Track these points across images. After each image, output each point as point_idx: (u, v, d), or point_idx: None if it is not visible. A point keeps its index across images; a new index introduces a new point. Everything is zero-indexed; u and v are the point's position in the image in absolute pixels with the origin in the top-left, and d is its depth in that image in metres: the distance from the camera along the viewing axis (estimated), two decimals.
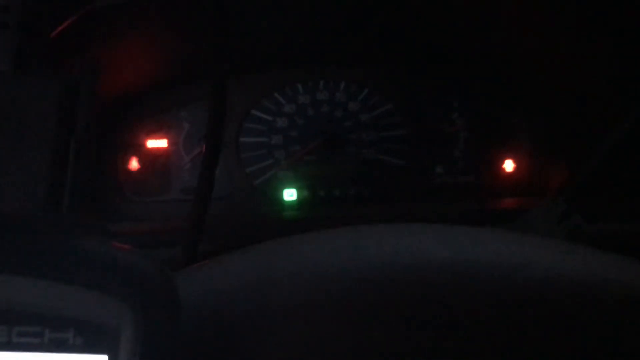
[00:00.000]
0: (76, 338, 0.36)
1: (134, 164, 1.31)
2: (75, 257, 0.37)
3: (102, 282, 0.36)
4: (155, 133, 1.32)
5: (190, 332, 0.40)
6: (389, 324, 0.41)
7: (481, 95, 1.38)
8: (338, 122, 1.35)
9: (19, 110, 0.44)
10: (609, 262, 0.45)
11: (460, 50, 1.30)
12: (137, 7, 0.94)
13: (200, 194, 0.79)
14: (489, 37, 1.23)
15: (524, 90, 1.35)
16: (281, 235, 1.04)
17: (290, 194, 1.34)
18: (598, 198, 1.10)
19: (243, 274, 0.44)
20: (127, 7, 0.93)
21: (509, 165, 1.38)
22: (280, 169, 1.34)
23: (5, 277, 0.36)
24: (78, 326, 0.36)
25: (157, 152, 1.32)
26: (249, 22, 1.12)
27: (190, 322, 0.40)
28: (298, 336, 0.42)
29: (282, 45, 1.26)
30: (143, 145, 1.32)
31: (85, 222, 0.41)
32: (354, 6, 1.12)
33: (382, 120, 1.36)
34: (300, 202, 1.34)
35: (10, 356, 0.36)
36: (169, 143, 1.32)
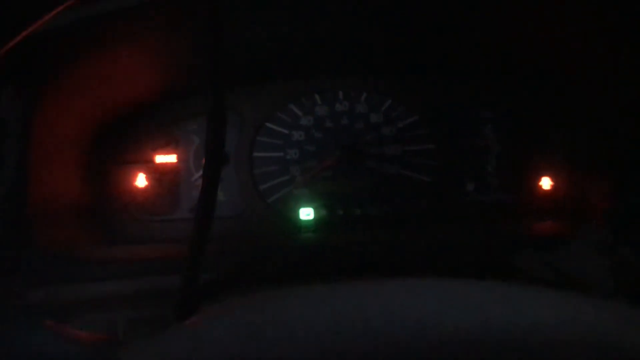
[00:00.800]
0: None
1: (141, 180, 1.23)
2: None
3: None
4: (163, 148, 1.24)
5: None
6: None
7: (515, 106, 1.26)
8: (358, 135, 1.25)
9: None
10: None
11: (492, 57, 1.18)
12: (135, 16, 0.86)
13: (199, 223, 0.70)
14: (525, 41, 1.11)
15: (564, 100, 1.23)
16: (295, 258, 0.94)
17: (306, 213, 1.24)
18: None
19: None
20: (124, 16, 0.85)
21: (545, 183, 1.26)
22: (296, 186, 1.24)
23: None
24: None
25: (165, 167, 1.24)
26: (262, 28, 1.03)
27: None
28: None
29: (298, 53, 1.17)
30: (151, 160, 1.24)
31: None
32: (377, 11, 1.02)
33: (407, 133, 1.25)
34: (317, 221, 1.24)
35: None
36: (178, 158, 1.24)
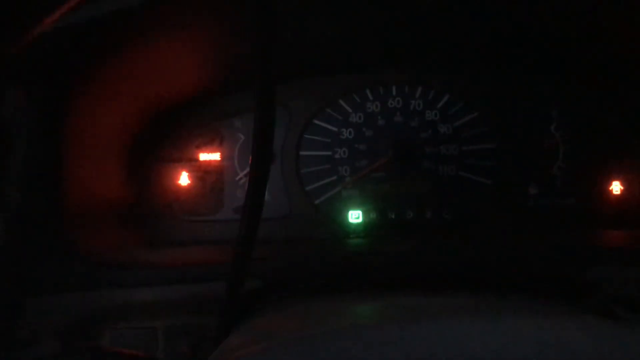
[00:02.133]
0: None
1: (184, 179, 1.19)
2: None
3: None
4: (207, 145, 1.19)
5: None
6: None
7: (585, 104, 1.16)
8: (413, 133, 1.17)
9: None
10: None
11: (561, 49, 1.08)
12: (176, 6, 0.81)
13: (246, 226, 0.64)
14: (598, 34, 1.01)
15: (638, 98, 1.12)
16: (342, 265, 0.87)
17: (355, 216, 1.17)
18: None
19: None
20: (164, 6, 0.79)
21: (616, 188, 1.16)
22: (344, 187, 1.18)
23: None
24: None
25: (209, 166, 1.19)
26: (312, 20, 0.96)
27: None
28: None
29: (348, 46, 1.09)
30: (194, 158, 1.19)
31: None
32: (433, 1, 0.94)
33: (466, 131, 1.16)
34: (366, 225, 1.17)
35: None
36: (222, 156, 1.19)
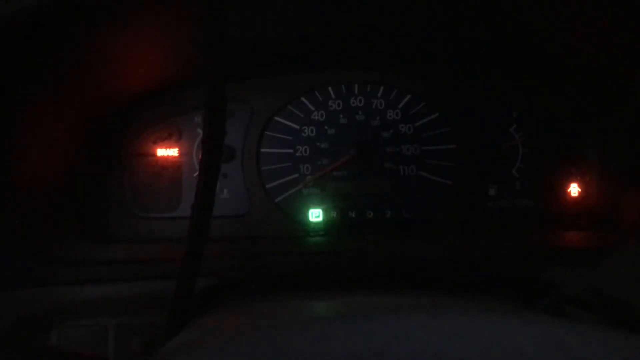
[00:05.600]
0: None
1: (141, 175, 1.16)
2: None
3: None
4: (165, 140, 1.16)
5: None
6: None
7: (545, 106, 1.17)
8: (374, 132, 1.16)
9: None
10: None
11: (520, 51, 1.09)
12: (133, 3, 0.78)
13: (195, 224, 0.62)
14: (556, 36, 1.02)
15: (597, 99, 1.14)
16: (302, 263, 0.86)
17: (316, 215, 1.16)
18: None
19: None
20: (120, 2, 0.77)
21: (574, 190, 1.17)
22: (305, 185, 1.16)
23: None
24: None
25: (167, 161, 1.16)
26: (273, 16, 0.95)
27: None
28: None
29: (311, 44, 1.08)
30: (152, 153, 1.16)
31: None
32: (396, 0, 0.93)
33: (427, 131, 1.16)
34: (327, 224, 1.16)
35: None
36: (180, 152, 1.16)
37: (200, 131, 1.16)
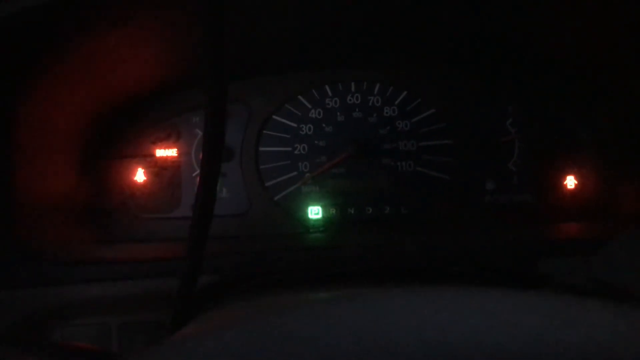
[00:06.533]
0: None
1: (140, 175, 1.16)
2: None
3: None
4: (164, 141, 1.17)
5: None
6: None
7: (540, 100, 1.18)
8: (371, 129, 1.17)
9: None
10: None
11: (515, 46, 1.10)
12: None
13: (197, 223, 0.63)
14: (551, 32, 1.03)
15: (592, 94, 1.15)
16: (302, 260, 0.86)
17: (315, 212, 1.17)
18: None
19: None
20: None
21: (570, 182, 1.18)
22: (304, 182, 1.17)
23: None
24: None
25: (165, 162, 1.17)
26: (270, 17, 0.96)
27: None
28: None
29: (308, 43, 1.09)
30: (151, 154, 1.17)
31: None
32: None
33: (423, 127, 1.17)
34: (326, 221, 1.16)
35: None
36: (179, 152, 1.17)
37: (199, 131, 1.16)
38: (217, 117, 0.58)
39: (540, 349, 0.35)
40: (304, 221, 1.16)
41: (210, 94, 0.58)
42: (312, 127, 1.17)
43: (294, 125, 1.17)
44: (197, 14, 0.59)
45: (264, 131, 1.17)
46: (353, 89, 1.18)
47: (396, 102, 1.17)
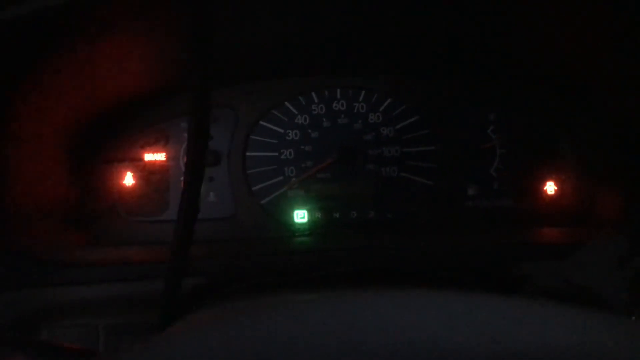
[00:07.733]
0: None
1: (129, 179, 1.18)
2: None
3: None
4: (152, 145, 1.19)
5: None
6: None
7: (520, 107, 1.21)
8: (356, 135, 1.20)
9: None
10: None
11: (497, 55, 1.13)
12: (119, 4, 0.81)
13: (181, 225, 0.65)
14: (532, 40, 1.06)
15: (571, 101, 1.18)
16: (287, 263, 0.88)
17: (301, 216, 1.19)
18: None
19: None
20: (107, 4, 0.79)
21: (550, 188, 1.21)
22: (290, 187, 1.19)
23: None
24: None
25: (154, 166, 1.19)
26: (258, 24, 0.98)
27: None
28: None
29: (294, 50, 1.12)
30: (139, 158, 1.19)
31: None
32: (376, 8, 0.97)
33: (407, 134, 1.20)
34: (311, 225, 1.19)
35: None
36: (167, 157, 1.19)
37: (186, 136, 1.18)
38: (201, 122, 0.60)
39: (504, 351, 0.37)
40: (289, 225, 1.18)
41: (194, 99, 0.60)
42: (298, 132, 1.20)
43: (281, 130, 1.20)
44: (186, 20, 0.61)
45: (251, 136, 1.19)
46: (339, 95, 1.21)
47: (381, 109, 1.20)
